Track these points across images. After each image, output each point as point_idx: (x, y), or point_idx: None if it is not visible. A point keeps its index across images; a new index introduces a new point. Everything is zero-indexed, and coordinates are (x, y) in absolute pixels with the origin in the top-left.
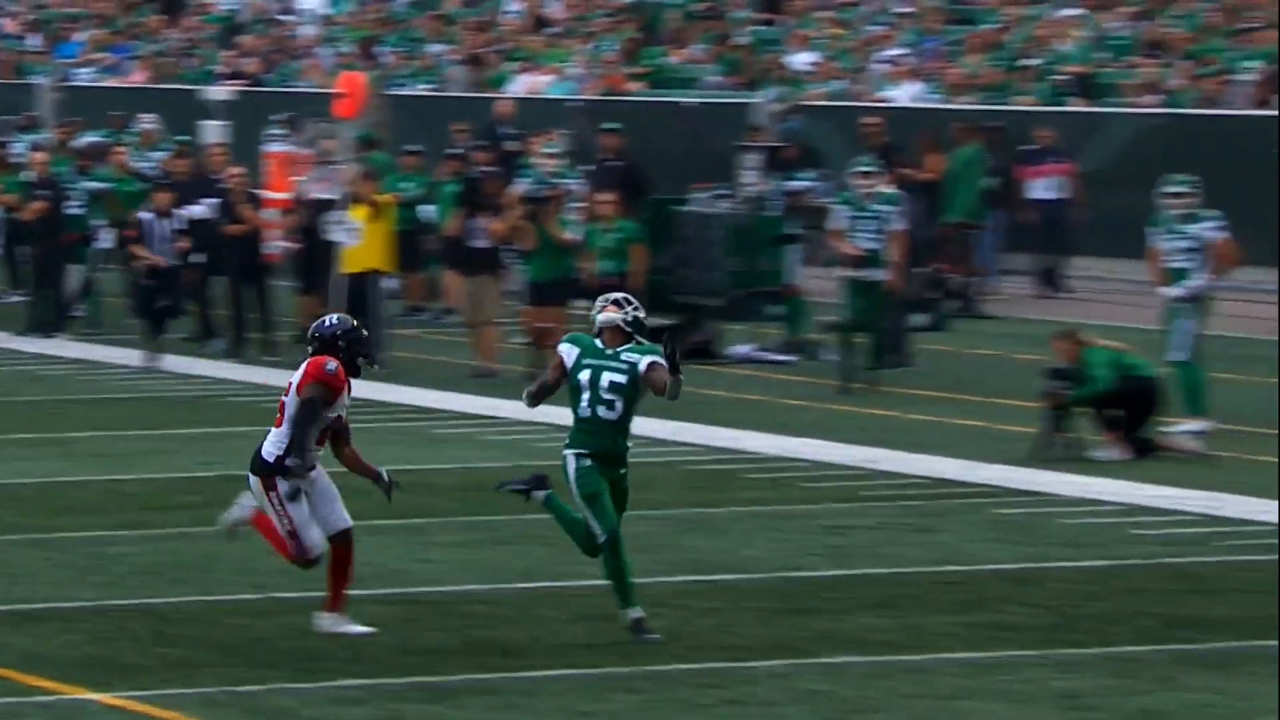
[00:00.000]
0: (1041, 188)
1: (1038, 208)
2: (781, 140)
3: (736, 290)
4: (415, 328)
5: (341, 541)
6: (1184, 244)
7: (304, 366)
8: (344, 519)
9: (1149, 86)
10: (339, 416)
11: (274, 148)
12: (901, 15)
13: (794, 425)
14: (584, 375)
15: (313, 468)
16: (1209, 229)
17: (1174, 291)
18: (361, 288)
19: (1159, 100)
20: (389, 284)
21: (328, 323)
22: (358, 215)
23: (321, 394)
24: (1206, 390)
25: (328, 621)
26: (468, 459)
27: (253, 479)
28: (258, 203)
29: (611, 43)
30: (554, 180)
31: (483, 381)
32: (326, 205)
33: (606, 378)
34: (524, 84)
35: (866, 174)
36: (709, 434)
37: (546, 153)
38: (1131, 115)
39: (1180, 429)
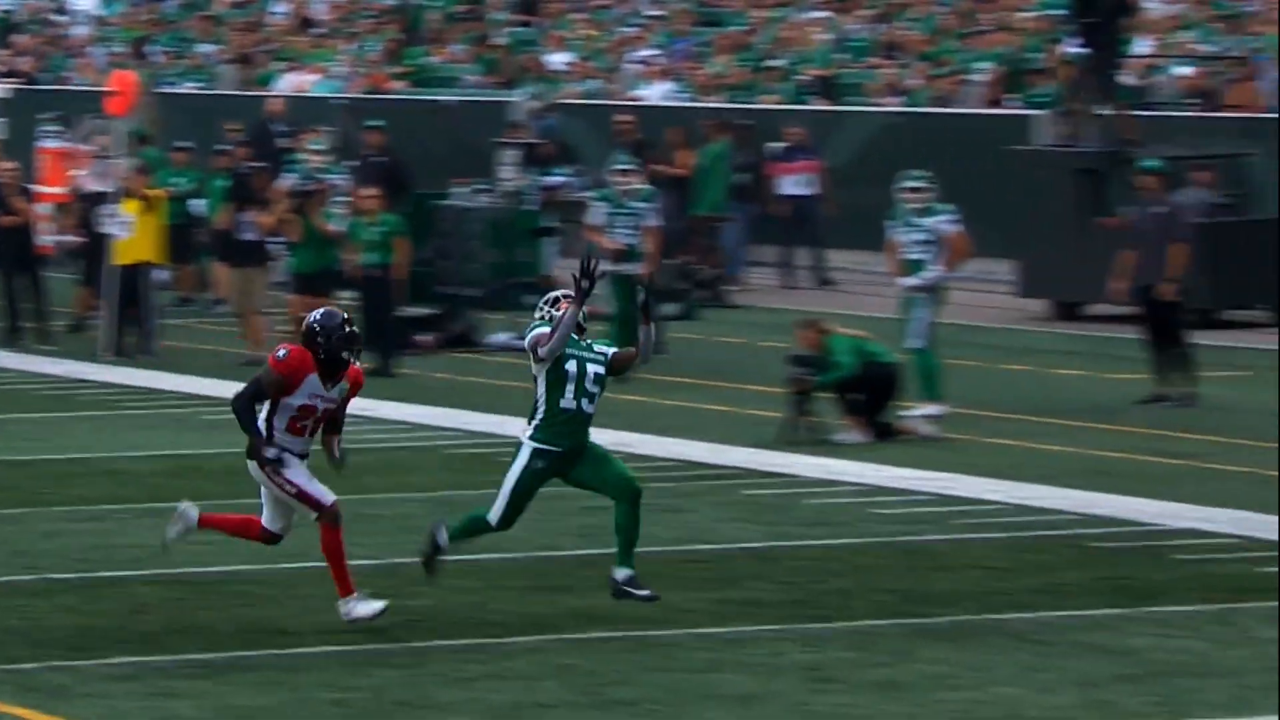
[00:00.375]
0: (791, 183)
1: (788, 203)
2: (538, 137)
3: (495, 281)
4: (186, 317)
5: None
6: (920, 237)
7: None
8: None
9: (888, 86)
10: (309, 405)
11: (48, 143)
12: (653, 17)
13: None
14: (571, 366)
15: (304, 456)
16: (944, 222)
17: (911, 282)
18: (134, 279)
19: (897, 100)
20: (160, 275)
21: (311, 317)
22: (130, 209)
23: (269, 377)
24: (941, 376)
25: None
26: (237, 444)
27: (251, 465)
28: (30, 196)
29: (375, 43)
30: (320, 175)
31: (252, 369)
32: (100, 199)
33: (591, 370)
34: (291, 83)
35: (624, 171)
36: (468, 419)
37: (313, 149)
38: (871, 114)
39: (917, 413)
